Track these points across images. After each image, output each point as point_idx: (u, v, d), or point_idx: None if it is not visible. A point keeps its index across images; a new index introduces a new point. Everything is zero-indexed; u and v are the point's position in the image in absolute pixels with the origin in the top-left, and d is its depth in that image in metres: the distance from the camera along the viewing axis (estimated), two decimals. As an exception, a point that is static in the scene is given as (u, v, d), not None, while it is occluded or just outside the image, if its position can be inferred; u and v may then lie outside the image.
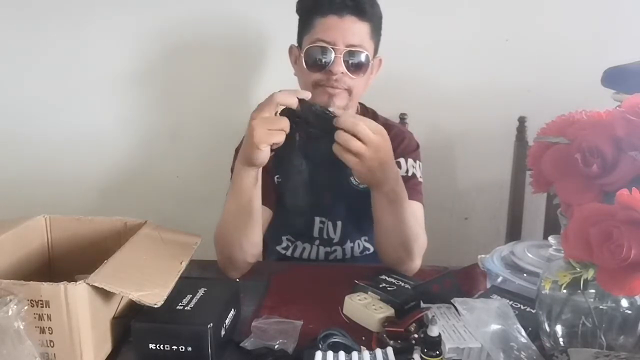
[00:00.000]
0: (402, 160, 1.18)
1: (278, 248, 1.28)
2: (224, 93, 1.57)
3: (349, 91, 1.13)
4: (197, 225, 1.26)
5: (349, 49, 1.09)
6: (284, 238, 1.27)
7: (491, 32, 1.48)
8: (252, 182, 0.99)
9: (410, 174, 1.18)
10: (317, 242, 1.25)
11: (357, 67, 1.11)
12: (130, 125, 1.61)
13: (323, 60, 1.10)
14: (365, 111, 1.28)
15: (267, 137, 0.89)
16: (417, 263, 1.07)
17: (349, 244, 1.25)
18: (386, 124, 1.23)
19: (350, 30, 1.09)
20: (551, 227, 1.45)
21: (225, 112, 1.56)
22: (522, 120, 1.48)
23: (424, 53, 1.50)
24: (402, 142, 1.22)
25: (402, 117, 1.50)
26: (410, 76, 1.51)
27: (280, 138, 0.89)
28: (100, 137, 1.61)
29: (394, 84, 1.49)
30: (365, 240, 1.26)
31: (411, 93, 1.51)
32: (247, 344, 0.79)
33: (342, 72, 1.10)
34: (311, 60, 1.12)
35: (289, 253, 1.27)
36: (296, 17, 1.18)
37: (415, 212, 1.12)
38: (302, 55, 1.13)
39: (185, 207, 1.61)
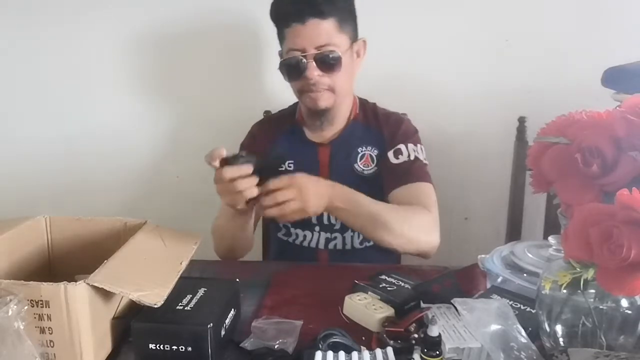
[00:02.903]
0: (402, 146, 1.23)
1: (279, 235, 1.31)
2: (223, 93, 1.57)
3: (332, 89, 1.17)
4: (197, 225, 1.26)
5: (317, 51, 1.13)
6: (282, 225, 1.30)
7: (491, 32, 1.48)
8: (241, 220, 1.11)
9: (412, 157, 1.22)
10: (316, 228, 1.27)
11: (330, 66, 1.15)
12: (130, 125, 1.61)
13: (296, 69, 1.15)
14: (365, 105, 1.31)
15: (232, 201, 1.01)
16: (423, 241, 1.11)
17: (349, 233, 1.26)
18: (385, 113, 1.31)
19: (315, 33, 1.12)
20: (551, 227, 1.44)
21: (225, 112, 1.57)
22: (522, 120, 1.47)
23: (424, 53, 1.50)
24: (399, 128, 1.27)
25: (402, 117, 1.50)
26: (410, 76, 1.51)
27: (242, 198, 0.98)
28: (100, 137, 1.61)
29: (394, 83, 1.50)
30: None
31: (411, 93, 1.51)
32: (247, 344, 0.79)
33: (318, 75, 1.14)
34: (287, 72, 1.18)
35: (290, 240, 1.29)
36: None
37: (424, 191, 1.18)
38: (279, 67, 1.19)
39: (185, 207, 1.61)
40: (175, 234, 0.95)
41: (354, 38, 1.21)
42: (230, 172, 0.95)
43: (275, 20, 1.19)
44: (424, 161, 1.24)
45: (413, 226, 1.10)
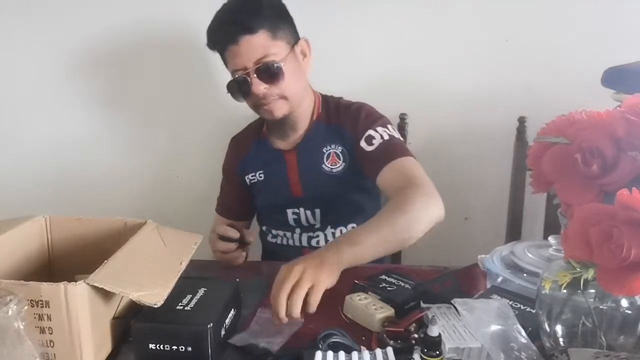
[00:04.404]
0: (371, 132, 1.20)
1: (268, 239, 1.36)
2: (223, 93, 1.56)
3: (283, 97, 1.18)
4: (197, 225, 1.26)
5: (257, 65, 1.14)
6: (265, 229, 1.36)
7: (491, 32, 1.47)
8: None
9: (386, 137, 1.19)
10: (297, 230, 1.30)
11: (274, 76, 1.15)
12: (130, 125, 1.61)
13: (242, 88, 1.17)
14: (328, 103, 1.30)
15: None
16: (433, 220, 1.01)
17: (330, 230, 1.28)
18: (346, 105, 1.29)
19: (250, 49, 1.13)
20: (551, 227, 1.44)
21: (225, 112, 1.56)
22: (522, 120, 1.47)
23: (424, 53, 1.49)
24: (359, 116, 1.25)
25: (402, 117, 1.50)
26: (410, 76, 1.51)
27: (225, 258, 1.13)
28: (100, 137, 1.61)
29: (394, 84, 1.50)
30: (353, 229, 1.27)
31: (411, 93, 1.51)
32: (236, 339, 0.79)
33: (264, 88, 1.15)
34: (236, 92, 1.19)
35: (278, 241, 1.34)
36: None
37: (409, 165, 1.13)
38: (228, 91, 1.20)
39: (185, 207, 1.61)
40: (175, 234, 0.95)
41: (294, 41, 1.20)
42: (221, 229, 1.12)
43: (212, 47, 1.21)
44: (399, 138, 1.21)
45: (422, 219, 1.01)
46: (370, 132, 1.20)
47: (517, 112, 1.47)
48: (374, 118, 1.24)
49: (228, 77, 1.57)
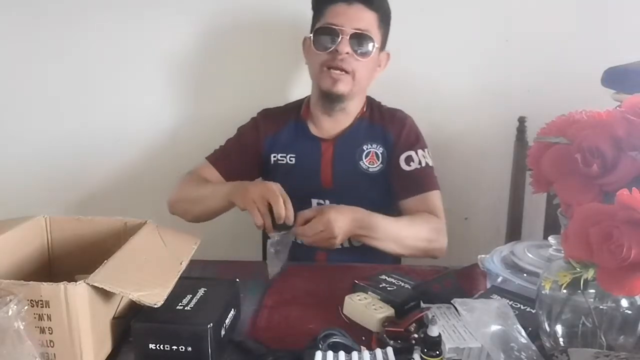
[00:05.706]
0: (412, 153, 1.25)
1: None
2: (224, 93, 1.57)
3: (353, 74, 1.18)
4: (197, 226, 1.26)
5: (355, 31, 1.15)
6: None
7: (491, 32, 1.48)
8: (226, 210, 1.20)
9: (423, 164, 1.25)
10: None
11: (362, 50, 1.17)
12: (130, 125, 1.61)
13: (330, 41, 1.17)
14: (372, 103, 1.33)
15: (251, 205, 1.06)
16: (432, 248, 1.17)
17: None
18: (389, 110, 1.33)
19: (357, 16, 1.16)
20: (551, 227, 1.44)
21: (225, 112, 1.56)
22: (522, 120, 1.47)
23: (424, 53, 1.49)
24: (404, 128, 1.29)
25: (405, 115, 1.50)
26: (410, 76, 1.51)
27: (258, 219, 1.05)
28: (100, 137, 1.61)
29: (394, 84, 1.49)
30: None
31: (411, 93, 1.51)
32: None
33: (348, 53, 1.16)
34: (319, 41, 1.19)
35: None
36: (301, 22, 1.23)
37: (433, 200, 1.23)
38: (312, 37, 1.20)
39: (185, 207, 1.61)
40: (175, 234, 0.95)
41: (383, 45, 1.24)
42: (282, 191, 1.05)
43: None
44: (431, 165, 1.27)
45: (425, 239, 1.17)
46: (411, 152, 1.25)
47: (517, 112, 1.47)
48: (417, 137, 1.29)
49: (230, 79, 1.58)
